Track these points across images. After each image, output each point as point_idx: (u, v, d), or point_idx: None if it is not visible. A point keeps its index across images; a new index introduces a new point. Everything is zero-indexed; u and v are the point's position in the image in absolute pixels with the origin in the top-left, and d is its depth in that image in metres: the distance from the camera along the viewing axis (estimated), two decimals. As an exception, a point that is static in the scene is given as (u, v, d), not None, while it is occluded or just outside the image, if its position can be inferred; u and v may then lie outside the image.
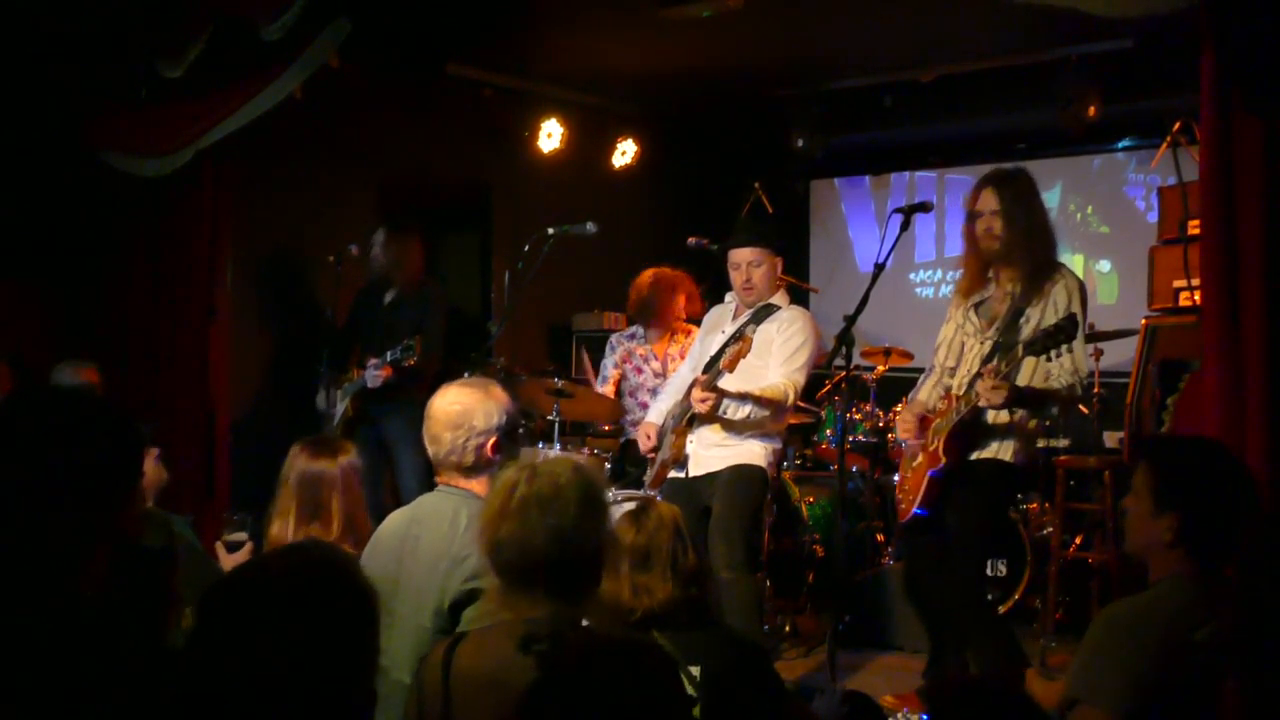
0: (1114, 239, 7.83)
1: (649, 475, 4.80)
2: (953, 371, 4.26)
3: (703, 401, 4.37)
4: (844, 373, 4.32)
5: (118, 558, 1.97)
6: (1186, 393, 4.56)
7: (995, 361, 3.91)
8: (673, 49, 6.51)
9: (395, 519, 3.01)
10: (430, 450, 2.97)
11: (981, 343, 4.12)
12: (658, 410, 4.86)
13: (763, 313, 4.59)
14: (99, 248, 5.63)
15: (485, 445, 2.93)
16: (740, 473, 4.49)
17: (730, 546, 4.33)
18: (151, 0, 5.00)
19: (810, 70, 7.20)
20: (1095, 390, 5.93)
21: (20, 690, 1.72)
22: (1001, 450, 4.04)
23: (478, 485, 2.93)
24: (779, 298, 4.66)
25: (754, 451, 4.52)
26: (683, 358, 5.56)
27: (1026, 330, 3.95)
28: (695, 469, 4.57)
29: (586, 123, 7.52)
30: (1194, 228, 4.28)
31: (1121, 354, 5.89)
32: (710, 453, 4.55)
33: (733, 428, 4.51)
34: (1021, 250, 4.03)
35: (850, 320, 4.07)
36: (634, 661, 1.84)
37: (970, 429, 4.02)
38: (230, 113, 5.06)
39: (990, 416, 4.02)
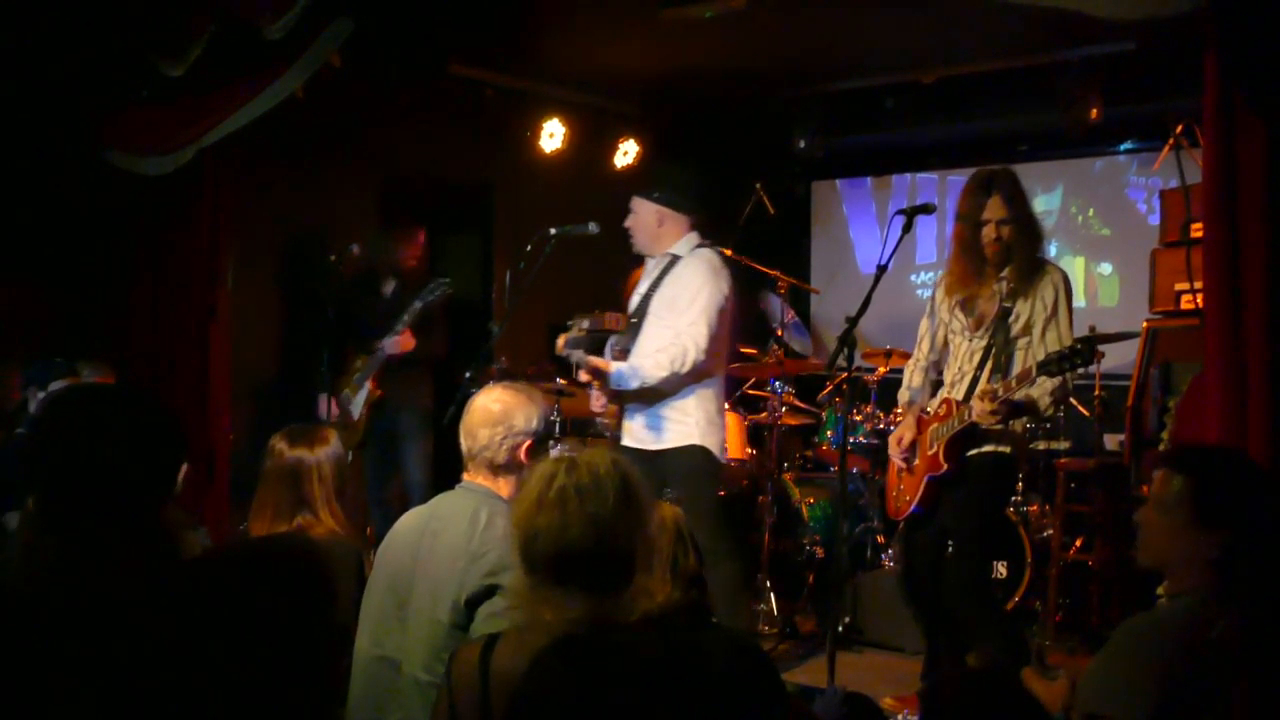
0: (1115, 241, 7.82)
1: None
2: (936, 365, 4.35)
3: (601, 403, 4.41)
4: (845, 374, 4.32)
5: (155, 556, 2.00)
6: (1188, 396, 4.56)
7: (1001, 378, 3.99)
8: (675, 50, 6.51)
9: (412, 516, 3.01)
10: (465, 445, 2.97)
11: (971, 341, 4.18)
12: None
13: (668, 267, 4.51)
14: (99, 247, 5.62)
15: (520, 447, 2.95)
16: (686, 460, 4.35)
17: (703, 541, 4.33)
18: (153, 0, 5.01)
19: (812, 72, 7.20)
20: (1096, 393, 5.93)
21: (60, 683, 1.75)
22: (1000, 446, 4.12)
23: (503, 485, 2.94)
24: (682, 245, 4.52)
25: (688, 429, 4.36)
26: None
27: (1016, 327, 4.05)
28: (629, 440, 4.46)
29: (588, 123, 7.51)
30: (1196, 230, 4.28)
31: (1123, 357, 5.89)
32: (644, 431, 4.43)
33: (656, 400, 4.39)
34: (1022, 252, 4.09)
35: (852, 322, 4.07)
36: (678, 662, 1.85)
37: (968, 435, 4.09)
38: (232, 112, 5.07)
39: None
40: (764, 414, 6.07)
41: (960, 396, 4.13)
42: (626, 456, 4.44)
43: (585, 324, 4.56)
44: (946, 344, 4.32)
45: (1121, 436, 5.68)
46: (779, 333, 6.14)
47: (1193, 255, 4.27)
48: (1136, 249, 6.60)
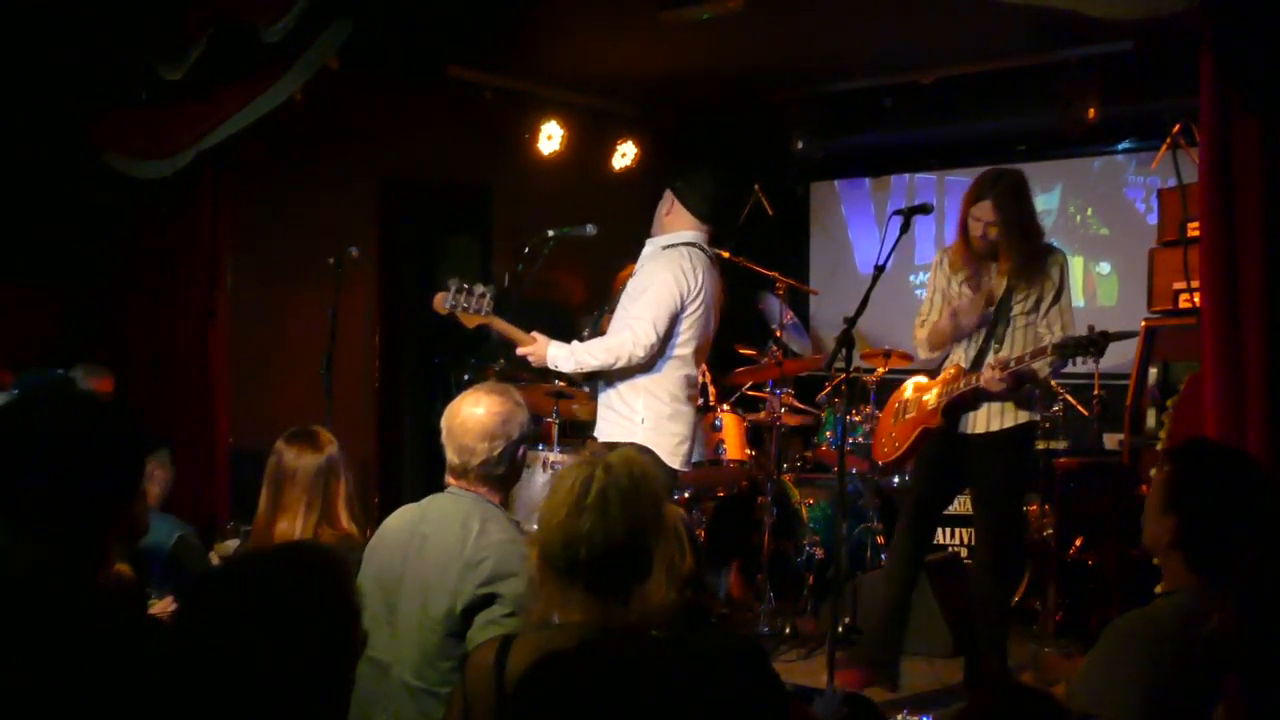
0: (1114, 241, 7.83)
1: None
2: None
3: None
4: (844, 375, 4.32)
5: (126, 553, 2.00)
6: (1186, 395, 4.56)
7: (997, 349, 4.37)
8: (673, 51, 6.51)
9: (402, 515, 2.96)
10: (456, 459, 2.87)
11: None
12: None
13: (649, 257, 4.39)
14: (99, 250, 5.63)
15: (519, 454, 2.90)
16: None
17: None
18: (152, 2, 5.01)
19: (810, 72, 7.20)
20: (1095, 392, 5.93)
21: (38, 681, 1.76)
22: (1027, 415, 4.44)
23: (495, 493, 2.90)
24: (672, 238, 4.34)
25: (631, 427, 4.24)
26: None
27: (1025, 306, 4.37)
28: (598, 433, 4.40)
29: (587, 125, 7.52)
30: (1194, 230, 4.28)
31: (1122, 356, 5.89)
32: (601, 420, 4.37)
33: (606, 394, 4.33)
34: (1013, 248, 4.34)
35: (850, 322, 4.08)
36: (684, 665, 1.86)
37: (969, 400, 4.40)
38: (231, 115, 5.07)
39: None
40: (763, 414, 6.07)
41: (967, 365, 4.43)
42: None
43: (481, 289, 4.30)
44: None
45: (1120, 436, 5.68)
46: (778, 333, 6.15)
47: (1190, 254, 4.29)
48: (1135, 248, 6.61)
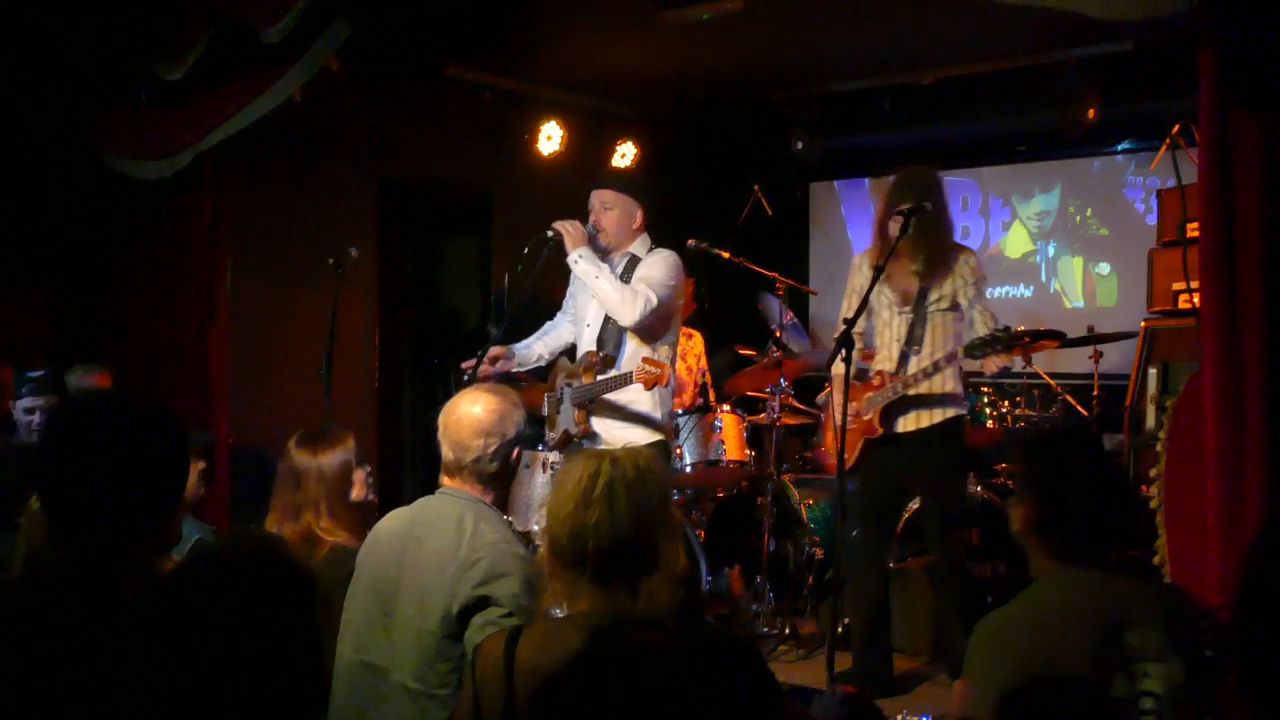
0: (1113, 241, 7.83)
1: (551, 436, 4.81)
2: (861, 336, 4.77)
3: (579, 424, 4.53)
4: (843, 375, 4.32)
5: (157, 562, 2.02)
6: (1185, 395, 4.56)
7: (917, 349, 4.54)
8: (672, 52, 6.52)
9: (395, 518, 2.97)
10: (451, 456, 2.89)
11: (899, 315, 4.59)
12: (525, 344, 4.86)
13: (630, 266, 4.59)
14: (99, 250, 5.63)
15: (513, 453, 2.92)
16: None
17: None
18: (151, 3, 5.01)
19: (810, 73, 7.21)
20: (1094, 393, 5.94)
21: (56, 688, 1.76)
22: (955, 410, 4.57)
23: (488, 492, 2.91)
24: (638, 245, 4.65)
25: (652, 428, 4.50)
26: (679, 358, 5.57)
27: (941, 305, 4.53)
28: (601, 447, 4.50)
29: (586, 125, 7.52)
30: (1193, 230, 4.28)
31: (1122, 356, 5.89)
32: (615, 432, 4.51)
33: (626, 405, 4.52)
34: (928, 243, 4.46)
35: (850, 323, 4.09)
36: (683, 661, 1.87)
37: (901, 401, 4.54)
38: (230, 115, 5.07)
39: (925, 388, 4.50)
40: (763, 415, 6.07)
41: (891, 368, 4.55)
42: None
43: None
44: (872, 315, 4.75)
45: (1120, 436, 5.68)
46: (778, 334, 6.15)
47: (1190, 255, 4.28)
48: (1134, 249, 6.62)
